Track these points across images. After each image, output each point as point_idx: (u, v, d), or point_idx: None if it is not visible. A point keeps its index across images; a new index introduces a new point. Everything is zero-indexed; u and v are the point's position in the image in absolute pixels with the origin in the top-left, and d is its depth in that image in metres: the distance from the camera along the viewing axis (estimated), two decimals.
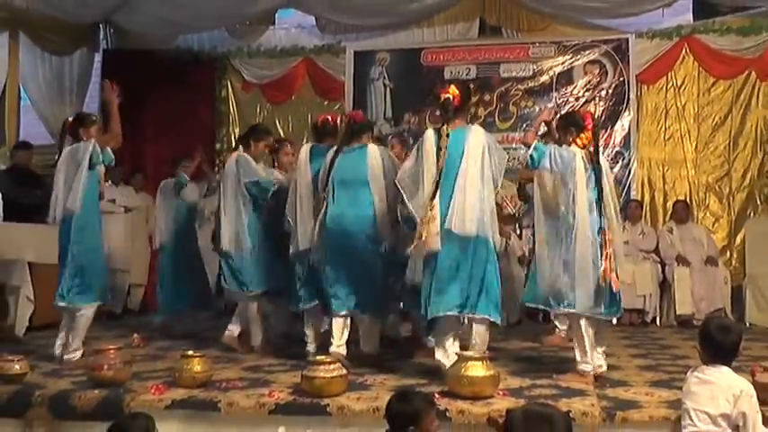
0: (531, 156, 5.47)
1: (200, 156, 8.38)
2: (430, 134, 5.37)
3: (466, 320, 5.42)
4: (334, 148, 5.94)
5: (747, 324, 8.55)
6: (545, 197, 5.53)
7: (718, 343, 4.02)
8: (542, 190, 5.52)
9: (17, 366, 5.29)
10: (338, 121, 6.40)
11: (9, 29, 9.26)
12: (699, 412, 3.89)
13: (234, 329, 6.74)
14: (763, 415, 3.93)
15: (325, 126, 6.42)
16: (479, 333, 5.32)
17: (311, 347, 6.14)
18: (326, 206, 5.84)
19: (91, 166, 5.94)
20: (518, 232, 8.90)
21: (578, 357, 5.35)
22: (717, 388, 3.89)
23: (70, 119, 6.33)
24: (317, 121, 6.56)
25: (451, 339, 5.31)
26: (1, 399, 5.02)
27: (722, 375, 3.94)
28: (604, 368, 5.43)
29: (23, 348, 6.26)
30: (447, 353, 5.24)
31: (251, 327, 6.62)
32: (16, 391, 5.09)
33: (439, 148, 5.24)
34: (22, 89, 9.84)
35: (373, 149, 5.93)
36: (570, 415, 4.27)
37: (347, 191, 5.84)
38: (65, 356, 5.93)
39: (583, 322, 5.32)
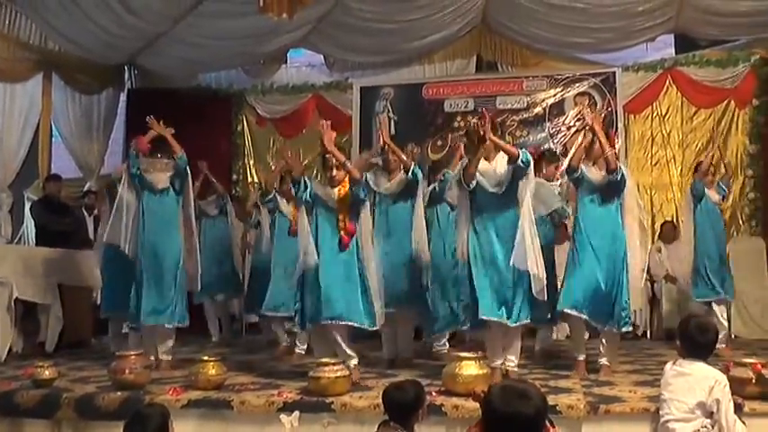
0: None
1: (204, 171, 8.50)
2: None
3: None
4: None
5: (732, 336, 8.54)
6: None
7: (697, 341, 4.10)
8: None
9: (47, 372, 5.42)
10: None
11: (43, 70, 9.45)
12: (676, 402, 3.97)
13: None
14: (735, 403, 4.01)
15: None
16: None
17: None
18: None
19: None
20: None
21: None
22: (693, 379, 3.97)
23: None
24: None
25: None
26: (32, 401, 5.15)
27: (698, 368, 4.02)
28: None
29: (53, 362, 6.33)
30: None
31: None
32: (46, 394, 5.21)
33: None
34: (53, 126, 10.00)
35: None
36: (557, 408, 4.37)
37: None
38: None
39: None
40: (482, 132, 5.43)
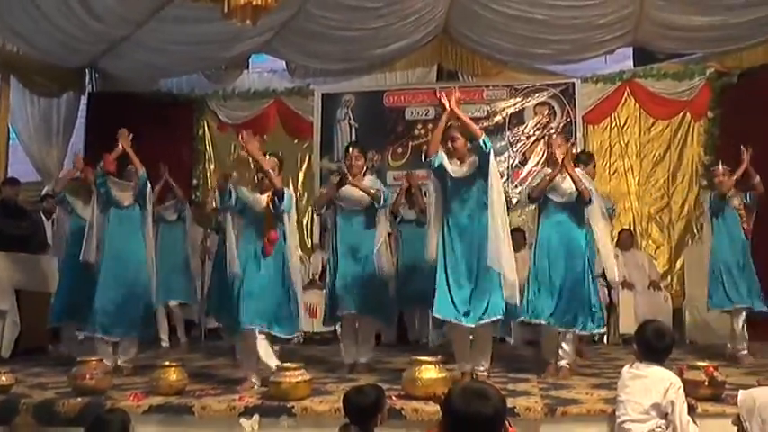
0: None
1: (165, 176, 8.61)
2: None
3: None
4: None
5: (687, 341, 8.72)
6: None
7: (654, 345, 4.26)
8: None
9: (3, 378, 5.36)
10: None
11: (1, 72, 9.33)
12: (632, 403, 4.11)
13: None
14: (689, 404, 4.15)
15: None
16: None
17: None
18: None
19: None
20: None
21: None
22: (650, 381, 4.12)
23: None
24: None
25: None
26: None
27: (654, 371, 4.17)
28: None
29: (10, 368, 6.27)
30: None
31: None
32: (3, 400, 5.15)
33: None
34: (11, 129, 9.87)
35: None
36: (515, 410, 4.46)
37: None
38: None
39: None
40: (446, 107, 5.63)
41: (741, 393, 3.37)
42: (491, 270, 5.50)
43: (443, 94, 5.70)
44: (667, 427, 4.05)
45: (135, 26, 9.08)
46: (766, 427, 3.16)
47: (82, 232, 7.10)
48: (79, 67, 10.35)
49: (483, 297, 5.53)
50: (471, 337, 5.76)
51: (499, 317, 5.58)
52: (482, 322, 5.54)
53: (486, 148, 5.52)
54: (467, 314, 5.49)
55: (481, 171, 5.61)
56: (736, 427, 3.31)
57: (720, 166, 7.28)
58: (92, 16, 8.55)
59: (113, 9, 8.49)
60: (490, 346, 5.82)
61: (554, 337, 6.14)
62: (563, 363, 6.04)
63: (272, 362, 5.55)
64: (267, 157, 5.90)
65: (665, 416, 4.05)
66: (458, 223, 5.66)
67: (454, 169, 5.70)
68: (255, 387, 5.51)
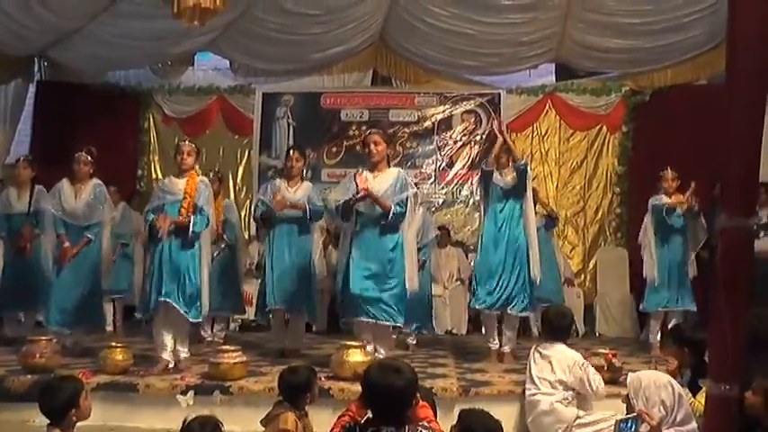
0: None
1: None
2: None
3: None
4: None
5: (597, 334, 9.25)
6: None
7: (557, 325, 4.72)
8: None
9: None
10: None
11: None
12: (540, 379, 4.55)
13: None
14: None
15: None
16: None
17: None
18: None
19: None
20: None
21: None
22: (554, 360, 4.58)
23: None
24: None
25: None
26: None
27: (559, 350, 4.62)
28: None
29: None
30: None
31: None
32: None
33: None
34: None
35: None
36: (432, 390, 4.80)
37: None
38: None
39: None
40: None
41: (630, 375, 3.74)
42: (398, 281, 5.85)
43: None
44: (573, 399, 4.48)
45: (86, 19, 9.05)
46: (649, 404, 3.52)
47: (12, 221, 7.39)
48: (28, 56, 10.22)
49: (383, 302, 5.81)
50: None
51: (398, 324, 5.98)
52: (379, 322, 5.84)
53: (398, 215, 5.82)
54: (369, 314, 5.78)
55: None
56: (625, 405, 3.68)
57: (669, 171, 7.55)
58: (45, 8, 8.47)
59: (67, 2, 8.49)
60: (390, 336, 6.19)
61: (494, 322, 6.57)
62: (506, 349, 6.50)
63: (185, 349, 5.85)
64: (185, 143, 6.09)
65: (569, 389, 4.48)
66: (363, 240, 5.94)
67: (366, 207, 5.93)
68: (169, 367, 5.71)
